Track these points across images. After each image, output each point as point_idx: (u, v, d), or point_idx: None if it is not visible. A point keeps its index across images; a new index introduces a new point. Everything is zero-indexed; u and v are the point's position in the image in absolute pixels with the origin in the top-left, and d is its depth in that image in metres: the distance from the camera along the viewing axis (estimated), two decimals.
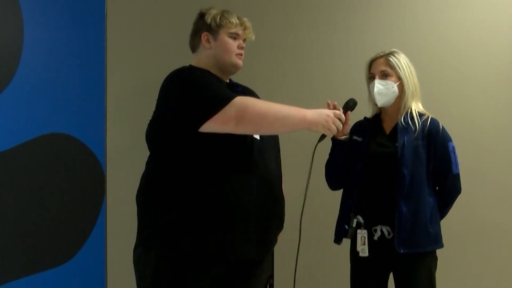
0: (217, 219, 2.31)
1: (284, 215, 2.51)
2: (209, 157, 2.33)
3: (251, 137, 2.39)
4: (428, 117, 2.74)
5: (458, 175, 2.75)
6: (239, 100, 2.27)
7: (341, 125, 2.42)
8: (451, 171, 2.72)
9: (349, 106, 2.61)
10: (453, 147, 2.74)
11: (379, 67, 2.76)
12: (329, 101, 2.53)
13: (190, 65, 2.52)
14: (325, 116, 2.34)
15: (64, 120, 3.19)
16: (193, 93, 2.30)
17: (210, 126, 2.26)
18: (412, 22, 3.47)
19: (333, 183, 2.81)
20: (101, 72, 3.40)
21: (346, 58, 3.44)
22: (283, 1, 3.59)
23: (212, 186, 2.32)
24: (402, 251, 2.61)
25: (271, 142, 2.51)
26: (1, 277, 2.89)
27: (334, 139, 2.69)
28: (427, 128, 2.71)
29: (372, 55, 2.82)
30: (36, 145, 3.06)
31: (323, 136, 2.49)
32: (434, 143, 2.71)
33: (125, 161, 3.42)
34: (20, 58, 2.99)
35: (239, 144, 2.36)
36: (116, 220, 3.44)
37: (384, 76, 2.74)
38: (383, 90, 2.72)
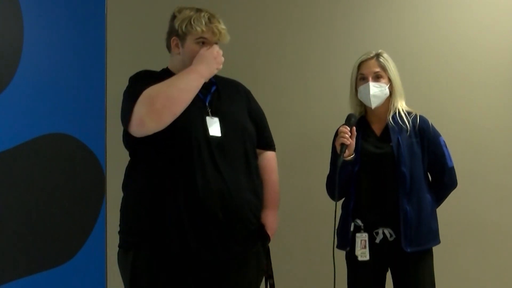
0: (156, 219, 2.37)
1: (241, 216, 2.42)
2: (156, 159, 2.39)
3: (205, 134, 2.38)
4: (416, 114, 2.76)
5: (453, 168, 2.77)
6: (142, 97, 2.31)
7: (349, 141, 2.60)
8: (446, 164, 2.74)
9: (352, 122, 2.66)
10: (444, 141, 2.77)
11: (371, 68, 2.75)
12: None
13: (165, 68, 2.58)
14: (212, 59, 2.41)
15: (64, 120, 3.19)
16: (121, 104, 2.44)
17: (136, 131, 2.36)
18: (411, 22, 3.47)
19: (339, 197, 2.71)
20: (101, 72, 3.40)
21: (345, 57, 3.43)
22: (282, 1, 3.58)
23: (156, 187, 2.38)
24: (409, 250, 2.61)
25: (239, 142, 2.47)
26: (1, 277, 2.89)
27: (342, 160, 2.64)
28: (417, 125, 2.73)
29: (371, 53, 2.82)
30: (36, 145, 3.06)
31: (343, 146, 2.61)
32: (427, 139, 2.73)
33: (125, 161, 3.41)
34: (20, 58, 2.99)
35: (185, 143, 2.37)
36: (116, 220, 3.42)
37: (377, 77, 2.74)
38: (378, 92, 2.72)
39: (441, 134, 3.20)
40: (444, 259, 3.32)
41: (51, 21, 3.17)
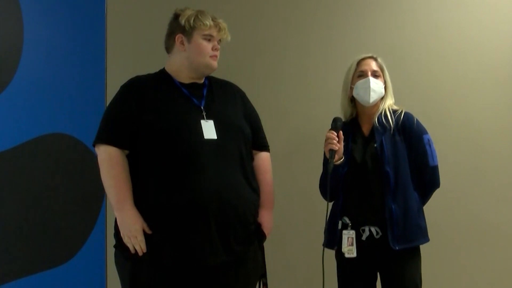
0: (154, 223, 2.38)
1: (238, 218, 2.43)
2: (153, 163, 2.40)
3: (200, 138, 2.40)
4: (401, 111, 2.78)
5: (436, 167, 2.76)
6: (100, 149, 2.46)
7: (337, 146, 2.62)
8: (428, 163, 2.73)
9: (338, 126, 2.69)
10: (429, 140, 2.76)
11: (370, 66, 2.79)
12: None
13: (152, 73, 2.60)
14: (128, 232, 2.37)
15: (64, 120, 3.19)
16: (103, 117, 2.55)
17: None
18: (411, 22, 3.47)
19: (331, 198, 2.74)
20: (101, 72, 3.40)
21: (345, 58, 3.43)
22: (282, 1, 3.58)
23: (153, 190, 2.38)
24: (397, 248, 2.61)
25: (234, 144, 2.48)
26: (1, 277, 2.89)
27: (333, 165, 2.66)
28: (400, 122, 2.75)
29: (369, 54, 2.84)
30: (36, 145, 3.06)
31: (332, 152, 2.63)
32: (409, 137, 2.74)
33: None
34: (20, 58, 2.99)
35: (181, 148, 2.39)
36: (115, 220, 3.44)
37: (375, 76, 2.78)
38: (377, 88, 2.75)
39: (441, 133, 3.21)
40: (444, 259, 3.33)
41: (51, 21, 3.17)
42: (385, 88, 2.79)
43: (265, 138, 2.69)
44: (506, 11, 3.41)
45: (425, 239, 2.73)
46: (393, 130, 2.72)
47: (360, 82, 2.76)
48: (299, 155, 3.44)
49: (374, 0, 3.52)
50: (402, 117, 2.75)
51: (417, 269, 2.71)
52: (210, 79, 2.62)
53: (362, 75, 2.78)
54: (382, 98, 2.79)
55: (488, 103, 3.39)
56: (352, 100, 2.84)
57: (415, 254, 2.71)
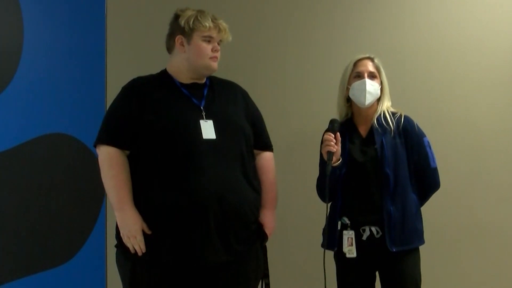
0: (154, 223, 2.38)
1: (238, 217, 2.43)
2: (154, 163, 2.40)
3: (199, 138, 2.40)
4: (400, 114, 2.79)
5: (436, 169, 2.78)
6: (101, 150, 2.45)
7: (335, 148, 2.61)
8: (429, 165, 2.75)
9: (335, 128, 2.68)
10: (428, 142, 2.78)
11: (367, 67, 2.79)
12: None
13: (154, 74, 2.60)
14: (127, 232, 2.39)
15: (64, 120, 3.19)
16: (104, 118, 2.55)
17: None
18: (411, 22, 3.47)
19: (329, 199, 2.73)
20: (101, 72, 3.40)
21: (345, 58, 3.43)
22: (282, 1, 3.58)
23: (154, 190, 2.39)
24: (394, 250, 2.62)
25: (234, 143, 2.49)
26: (1, 277, 2.89)
27: (331, 167, 2.65)
28: (401, 125, 2.75)
29: (366, 55, 2.84)
30: (36, 145, 3.06)
31: (330, 154, 2.61)
32: (411, 139, 2.75)
33: None
34: (20, 58, 2.99)
35: (180, 148, 2.39)
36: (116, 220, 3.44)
37: (372, 77, 2.78)
38: (372, 90, 2.75)
39: (441, 134, 3.21)
40: (443, 259, 3.33)
41: (51, 21, 3.17)
42: (382, 89, 2.79)
43: (268, 138, 2.69)
44: (506, 10, 3.41)
45: (421, 241, 2.74)
46: (393, 132, 2.72)
47: (357, 84, 2.76)
48: (299, 155, 3.44)
49: (374, 0, 3.52)
50: (402, 120, 2.75)
51: (416, 266, 2.71)
52: (211, 79, 2.62)
53: (359, 76, 2.78)
54: (379, 99, 2.80)
55: (488, 103, 3.39)
56: (348, 100, 2.84)
57: (414, 254, 2.71)
